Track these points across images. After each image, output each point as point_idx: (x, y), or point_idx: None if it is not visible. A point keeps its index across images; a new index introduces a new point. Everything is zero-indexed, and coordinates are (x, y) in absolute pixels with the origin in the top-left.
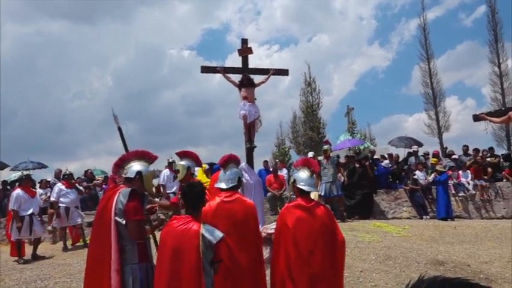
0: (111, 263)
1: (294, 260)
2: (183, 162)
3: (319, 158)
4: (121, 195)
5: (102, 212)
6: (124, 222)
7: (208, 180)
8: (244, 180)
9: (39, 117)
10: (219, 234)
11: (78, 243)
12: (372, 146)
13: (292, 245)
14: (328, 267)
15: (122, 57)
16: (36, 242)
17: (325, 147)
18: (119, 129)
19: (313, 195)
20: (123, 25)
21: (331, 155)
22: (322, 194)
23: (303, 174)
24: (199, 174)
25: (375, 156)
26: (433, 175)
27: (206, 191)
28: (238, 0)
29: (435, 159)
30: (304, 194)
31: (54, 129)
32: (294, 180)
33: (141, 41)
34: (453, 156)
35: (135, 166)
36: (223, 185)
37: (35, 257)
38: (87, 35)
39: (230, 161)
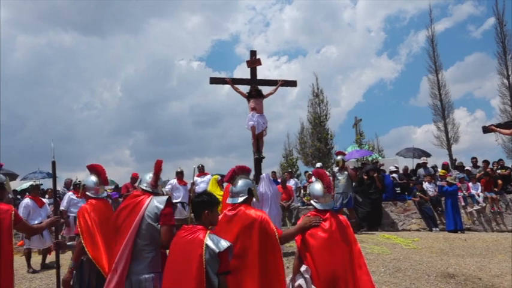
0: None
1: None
2: (92, 178)
3: (335, 168)
4: (156, 201)
5: (127, 218)
6: (159, 226)
7: (222, 192)
8: (262, 191)
9: (49, 127)
10: (224, 243)
11: None
12: (380, 158)
13: (310, 258)
14: (340, 279)
15: (132, 68)
16: (45, 252)
17: (338, 158)
18: (53, 163)
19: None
20: (133, 36)
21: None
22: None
23: (318, 186)
24: (211, 185)
25: (382, 168)
26: (443, 182)
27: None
28: (248, 12)
29: (443, 171)
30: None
31: (64, 139)
32: (309, 193)
33: (150, 52)
34: (466, 168)
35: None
36: (230, 200)
37: (44, 267)
38: (97, 47)
39: (235, 174)
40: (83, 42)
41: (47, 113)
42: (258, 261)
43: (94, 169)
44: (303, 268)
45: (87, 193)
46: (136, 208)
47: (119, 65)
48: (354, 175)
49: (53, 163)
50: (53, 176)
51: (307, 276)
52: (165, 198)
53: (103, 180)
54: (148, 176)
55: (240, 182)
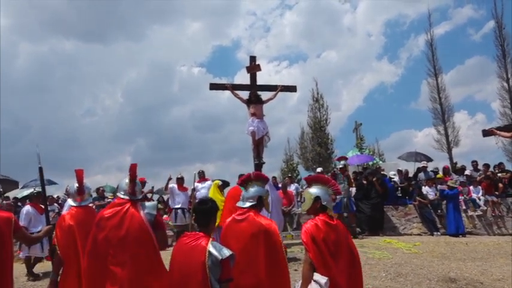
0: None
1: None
2: (75, 185)
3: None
4: (147, 208)
5: (119, 228)
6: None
7: (223, 198)
8: None
9: (51, 133)
10: (226, 251)
11: None
12: (380, 162)
13: (323, 265)
14: (345, 285)
15: (133, 74)
16: (36, 260)
17: (343, 162)
18: (40, 169)
19: None
20: (134, 43)
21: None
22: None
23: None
24: (212, 191)
25: (383, 172)
26: (444, 186)
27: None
28: (248, 17)
29: (440, 175)
30: (325, 211)
31: (66, 145)
32: (318, 197)
33: (152, 58)
34: (466, 172)
35: None
36: (240, 204)
37: (45, 274)
38: (99, 53)
39: (250, 179)
40: (85, 48)
41: (50, 119)
42: (264, 271)
43: (75, 175)
44: (323, 280)
45: (69, 200)
46: (126, 218)
47: (121, 71)
48: (352, 181)
49: (40, 169)
50: (41, 183)
51: None
52: (155, 203)
53: (78, 188)
54: (125, 183)
55: (253, 189)
